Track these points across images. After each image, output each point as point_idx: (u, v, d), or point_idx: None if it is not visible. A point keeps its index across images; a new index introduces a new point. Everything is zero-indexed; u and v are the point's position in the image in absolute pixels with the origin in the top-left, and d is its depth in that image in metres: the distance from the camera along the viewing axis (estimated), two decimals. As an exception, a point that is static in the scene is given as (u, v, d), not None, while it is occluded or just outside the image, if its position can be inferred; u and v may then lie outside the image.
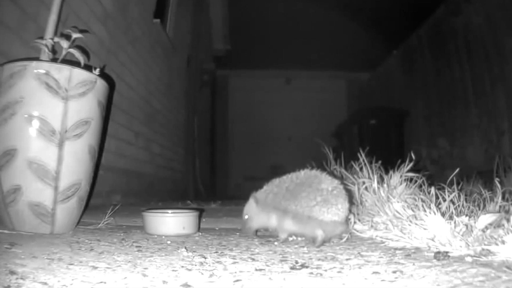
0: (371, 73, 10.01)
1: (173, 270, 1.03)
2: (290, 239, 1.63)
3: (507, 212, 1.44)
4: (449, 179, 1.66)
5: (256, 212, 1.57)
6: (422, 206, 1.44)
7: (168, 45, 5.20)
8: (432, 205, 1.39)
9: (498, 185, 1.63)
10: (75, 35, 1.79)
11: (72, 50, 1.73)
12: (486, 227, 1.24)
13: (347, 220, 1.52)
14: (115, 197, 3.20)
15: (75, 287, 0.86)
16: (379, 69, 9.47)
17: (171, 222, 1.71)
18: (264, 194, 1.57)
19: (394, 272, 1.00)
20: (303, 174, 1.55)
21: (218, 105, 10.86)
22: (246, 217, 1.60)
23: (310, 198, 1.44)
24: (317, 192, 1.45)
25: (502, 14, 4.76)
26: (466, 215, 1.38)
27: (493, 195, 1.61)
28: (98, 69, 1.71)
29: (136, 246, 1.40)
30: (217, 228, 2.02)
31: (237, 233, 1.81)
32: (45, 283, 0.87)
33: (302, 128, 10.39)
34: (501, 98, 4.87)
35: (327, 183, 1.49)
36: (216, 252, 1.32)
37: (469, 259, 1.09)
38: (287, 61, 10.20)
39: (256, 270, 1.05)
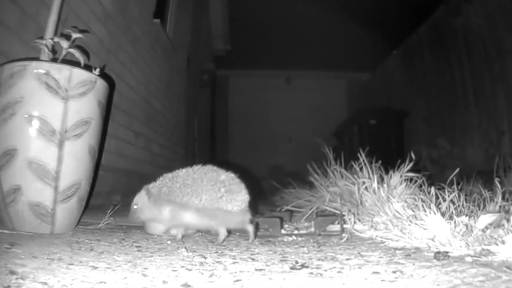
0: (371, 73, 10.01)
1: (173, 270, 1.03)
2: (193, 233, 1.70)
3: (507, 212, 1.44)
4: (449, 179, 1.66)
5: (147, 204, 1.57)
6: (422, 206, 1.44)
7: (168, 45, 5.20)
8: (432, 205, 1.39)
9: (498, 185, 1.63)
10: (75, 35, 1.79)
11: (72, 50, 1.73)
12: (486, 227, 1.24)
13: (248, 208, 1.58)
14: (115, 197, 3.20)
15: (75, 287, 0.86)
16: (379, 69, 9.47)
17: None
18: (158, 187, 1.57)
19: (394, 272, 1.00)
20: (198, 168, 1.58)
21: (218, 105, 10.85)
22: (135, 207, 1.59)
23: (215, 190, 1.49)
24: (220, 184, 1.51)
25: (502, 14, 4.76)
26: (466, 215, 1.38)
27: (493, 195, 1.61)
28: (98, 69, 1.71)
29: (136, 246, 1.40)
30: (217, 228, 2.02)
31: (237, 233, 1.81)
32: (45, 283, 0.87)
33: (302, 128, 10.39)
34: (501, 98, 4.87)
35: (225, 175, 1.56)
36: (216, 252, 1.32)
37: (469, 259, 1.09)
38: (287, 61, 10.20)
39: (256, 270, 1.05)
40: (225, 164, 1.74)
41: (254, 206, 1.75)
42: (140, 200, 1.58)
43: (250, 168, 10.48)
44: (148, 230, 1.72)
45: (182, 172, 1.58)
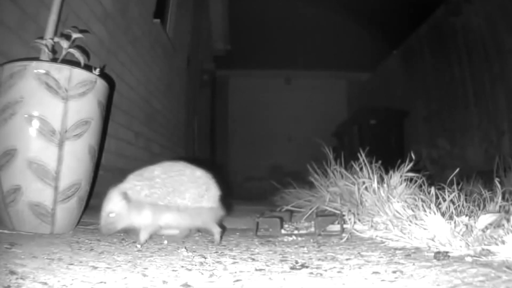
0: (371, 73, 10.01)
1: (173, 270, 1.03)
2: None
3: (507, 212, 1.44)
4: (449, 179, 1.66)
5: (126, 210, 1.41)
6: (422, 206, 1.44)
7: (168, 45, 5.20)
8: (432, 205, 1.39)
9: (498, 185, 1.63)
10: (75, 35, 1.79)
11: (72, 50, 1.73)
12: (486, 227, 1.24)
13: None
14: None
15: (75, 287, 0.86)
16: (379, 69, 9.47)
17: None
18: (135, 190, 1.42)
19: (394, 272, 0.99)
20: (171, 165, 1.50)
21: (218, 105, 10.85)
22: (112, 215, 1.41)
23: (196, 188, 1.44)
24: (199, 181, 1.46)
25: (502, 14, 4.76)
26: (466, 215, 1.38)
27: (493, 195, 1.61)
28: (98, 69, 1.71)
29: (136, 246, 1.40)
30: (217, 228, 2.02)
31: (237, 233, 1.81)
32: (45, 283, 0.87)
33: (302, 128, 10.39)
34: (501, 98, 4.87)
35: (200, 171, 1.50)
36: (216, 252, 1.32)
37: (469, 259, 1.09)
38: (287, 61, 10.20)
39: (256, 270, 1.05)
40: (187, 159, 1.64)
41: (227, 202, 1.71)
42: (117, 207, 1.42)
43: (250, 168, 10.51)
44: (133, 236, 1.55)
45: (157, 171, 1.47)
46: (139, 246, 1.39)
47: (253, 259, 1.19)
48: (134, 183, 1.44)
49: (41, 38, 1.73)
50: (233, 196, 4.52)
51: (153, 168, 1.48)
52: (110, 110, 2.80)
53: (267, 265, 1.11)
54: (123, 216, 1.42)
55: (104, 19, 3.12)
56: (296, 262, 1.14)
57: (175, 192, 1.42)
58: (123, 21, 3.59)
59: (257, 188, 8.31)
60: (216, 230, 1.49)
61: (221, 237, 1.51)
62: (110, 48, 3.25)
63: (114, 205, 1.42)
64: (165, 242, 1.51)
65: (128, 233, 1.56)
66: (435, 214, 1.31)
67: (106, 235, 1.50)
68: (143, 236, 1.43)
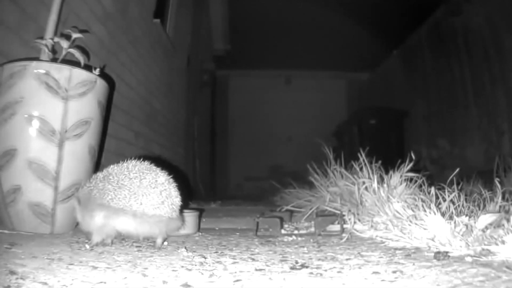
0: (371, 73, 10.01)
1: (173, 270, 1.03)
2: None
3: (507, 212, 1.44)
4: (449, 179, 1.66)
5: (78, 211, 1.36)
6: (422, 206, 1.44)
7: (168, 45, 5.20)
8: (432, 205, 1.39)
9: (498, 185, 1.63)
10: (75, 35, 1.79)
11: (72, 50, 1.73)
12: (486, 227, 1.24)
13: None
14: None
15: (75, 287, 0.86)
16: (379, 69, 9.47)
17: (171, 222, 1.71)
18: (87, 190, 1.36)
19: (394, 272, 0.99)
20: (134, 166, 1.39)
21: (218, 105, 10.85)
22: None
23: (156, 194, 1.33)
24: (161, 186, 1.35)
25: (502, 14, 4.76)
26: (466, 215, 1.38)
27: (493, 195, 1.61)
28: (98, 69, 1.71)
29: (136, 246, 1.40)
30: (217, 228, 2.02)
31: (237, 233, 1.81)
32: (45, 283, 0.87)
33: (302, 128, 10.39)
34: (501, 98, 4.87)
35: (164, 177, 1.39)
36: (216, 252, 1.32)
37: (469, 259, 1.09)
38: (287, 61, 10.20)
39: (256, 270, 1.05)
40: (149, 159, 1.50)
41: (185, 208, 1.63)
42: (73, 207, 1.37)
43: (250, 168, 10.51)
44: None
45: (115, 171, 1.37)
46: (87, 246, 1.31)
47: (253, 259, 1.19)
48: (88, 184, 1.38)
49: (41, 38, 1.74)
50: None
51: (112, 168, 1.39)
52: (110, 110, 2.80)
53: (267, 265, 1.11)
54: (77, 216, 1.37)
55: (104, 19, 3.12)
56: (296, 262, 1.14)
57: (132, 196, 1.31)
58: (123, 21, 3.59)
59: (257, 188, 8.32)
60: (162, 236, 1.39)
61: (163, 242, 1.41)
62: (110, 48, 3.25)
63: (75, 213, 1.38)
64: (165, 243, 1.51)
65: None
66: (435, 214, 1.31)
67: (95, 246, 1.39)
68: (95, 238, 1.34)
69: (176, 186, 1.42)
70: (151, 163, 1.44)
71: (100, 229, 1.33)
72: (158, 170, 1.41)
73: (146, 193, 1.32)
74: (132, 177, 1.34)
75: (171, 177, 1.42)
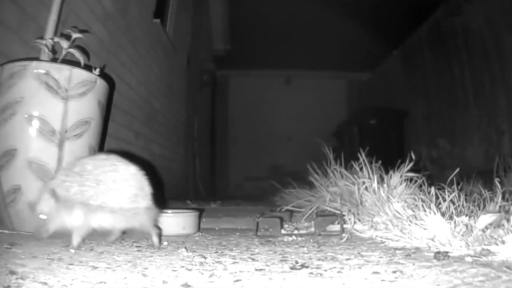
0: (371, 73, 10.01)
1: (173, 270, 1.03)
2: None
3: (507, 212, 1.44)
4: (449, 179, 1.66)
5: (55, 210, 1.26)
6: (422, 206, 1.44)
7: (168, 45, 5.20)
8: (432, 205, 1.39)
9: (498, 185, 1.63)
10: (75, 35, 1.79)
11: (72, 50, 1.73)
12: (486, 227, 1.24)
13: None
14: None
15: (75, 287, 0.86)
16: (379, 69, 9.47)
17: (171, 222, 1.71)
18: (64, 186, 1.26)
19: (394, 272, 0.99)
20: (104, 159, 1.33)
21: (218, 105, 10.86)
22: (43, 216, 1.27)
23: (131, 186, 1.30)
24: (133, 178, 1.31)
25: (502, 14, 4.76)
26: (466, 215, 1.37)
27: (493, 195, 1.61)
28: (98, 69, 1.71)
29: (136, 246, 1.40)
30: (217, 228, 2.02)
31: (237, 233, 1.81)
32: (45, 283, 0.87)
33: (302, 128, 10.40)
34: (501, 98, 4.87)
35: (133, 167, 1.34)
36: (216, 252, 1.32)
37: (469, 259, 1.09)
38: (287, 61, 10.20)
39: (256, 270, 1.05)
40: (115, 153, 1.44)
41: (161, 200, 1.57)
42: (46, 207, 1.26)
43: (250, 168, 10.52)
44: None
45: (89, 165, 1.30)
46: (72, 251, 1.24)
47: (253, 259, 1.19)
48: (63, 179, 1.28)
49: (41, 38, 1.74)
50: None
51: (84, 162, 1.32)
52: (110, 110, 2.80)
53: (267, 265, 1.11)
54: (54, 216, 1.26)
55: (104, 19, 3.12)
56: (296, 262, 1.14)
57: (109, 191, 1.26)
58: (123, 21, 3.59)
59: (257, 188, 8.32)
60: (155, 232, 1.36)
61: (160, 239, 1.38)
62: (110, 48, 3.25)
63: (43, 205, 1.27)
64: (165, 242, 1.51)
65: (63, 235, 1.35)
66: (435, 214, 1.31)
67: (40, 240, 1.32)
68: (76, 239, 1.27)
69: (144, 174, 1.37)
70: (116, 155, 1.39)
71: (80, 228, 1.27)
72: (127, 162, 1.36)
73: (121, 186, 1.28)
74: (106, 171, 1.29)
75: (138, 167, 1.37)
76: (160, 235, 1.39)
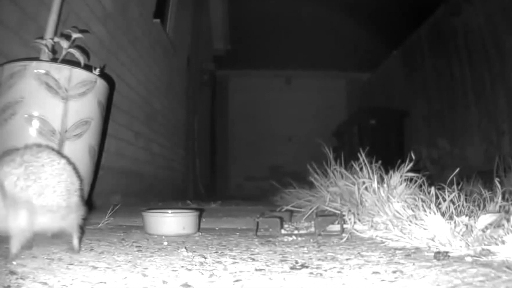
0: (371, 73, 10.01)
1: (173, 270, 1.03)
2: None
3: (507, 212, 1.44)
4: (449, 179, 1.66)
5: (2, 208, 0.99)
6: (422, 206, 1.44)
7: (168, 45, 5.20)
8: (432, 205, 1.39)
9: (498, 185, 1.63)
10: (75, 35, 1.79)
11: (72, 50, 1.73)
12: (486, 227, 1.24)
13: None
14: (115, 197, 3.20)
15: (75, 287, 0.86)
16: (379, 69, 9.48)
17: (171, 222, 1.71)
18: (11, 180, 1.02)
19: (394, 272, 0.99)
20: (40, 151, 1.13)
21: (218, 105, 10.86)
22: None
23: (67, 182, 1.13)
24: (66, 172, 1.14)
25: (502, 14, 4.76)
26: (466, 215, 1.38)
27: (493, 195, 1.61)
28: (98, 69, 1.71)
29: (136, 246, 1.40)
30: (217, 228, 2.02)
31: (237, 233, 1.81)
32: (45, 283, 0.87)
33: (302, 128, 10.40)
34: (501, 98, 4.87)
35: (63, 158, 1.18)
36: (216, 252, 1.32)
37: (469, 259, 1.09)
38: (287, 61, 10.21)
39: (256, 270, 1.05)
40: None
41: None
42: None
43: (250, 168, 10.52)
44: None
45: (26, 156, 1.08)
46: (14, 263, 1.01)
47: (253, 259, 1.19)
48: (10, 171, 1.03)
49: (41, 38, 1.74)
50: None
51: (23, 153, 1.09)
52: (110, 110, 2.80)
53: (267, 265, 1.11)
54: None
55: (104, 19, 3.12)
56: (296, 262, 1.14)
57: (49, 187, 1.08)
58: (123, 21, 3.59)
59: (257, 188, 8.32)
60: (77, 235, 1.19)
61: (80, 242, 1.22)
62: (110, 48, 3.25)
63: None
64: (165, 243, 1.51)
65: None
66: (435, 214, 1.31)
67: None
68: (15, 246, 1.03)
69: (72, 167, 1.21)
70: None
71: (22, 232, 1.04)
72: (56, 153, 1.19)
73: (57, 182, 1.11)
74: (44, 164, 1.09)
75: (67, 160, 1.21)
76: (81, 238, 1.23)
